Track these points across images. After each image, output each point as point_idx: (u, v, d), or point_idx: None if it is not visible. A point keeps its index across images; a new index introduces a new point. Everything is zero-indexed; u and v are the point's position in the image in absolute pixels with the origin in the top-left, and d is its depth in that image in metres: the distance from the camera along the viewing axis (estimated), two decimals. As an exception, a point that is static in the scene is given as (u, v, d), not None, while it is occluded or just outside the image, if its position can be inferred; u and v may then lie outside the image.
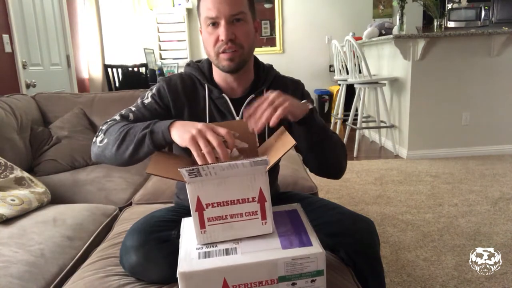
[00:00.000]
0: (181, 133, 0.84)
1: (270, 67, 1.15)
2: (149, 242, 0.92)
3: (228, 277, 0.71)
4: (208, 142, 0.80)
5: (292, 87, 1.13)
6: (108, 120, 1.03)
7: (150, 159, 0.85)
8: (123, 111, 1.06)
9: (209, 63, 1.11)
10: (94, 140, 1.00)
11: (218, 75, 1.08)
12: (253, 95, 1.08)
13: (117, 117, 1.04)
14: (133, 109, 1.06)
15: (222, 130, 0.82)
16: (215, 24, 0.97)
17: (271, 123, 0.84)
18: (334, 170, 1.06)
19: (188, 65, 1.13)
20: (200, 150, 0.80)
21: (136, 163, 0.97)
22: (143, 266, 0.91)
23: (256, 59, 1.14)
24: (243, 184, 0.76)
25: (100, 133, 0.99)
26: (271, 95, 0.87)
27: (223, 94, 1.07)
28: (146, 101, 1.07)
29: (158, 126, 0.90)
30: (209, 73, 1.10)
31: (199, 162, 0.81)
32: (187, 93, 1.08)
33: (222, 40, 0.96)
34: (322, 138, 0.99)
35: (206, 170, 0.72)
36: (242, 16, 0.97)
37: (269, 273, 0.73)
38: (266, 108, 0.85)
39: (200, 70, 1.10)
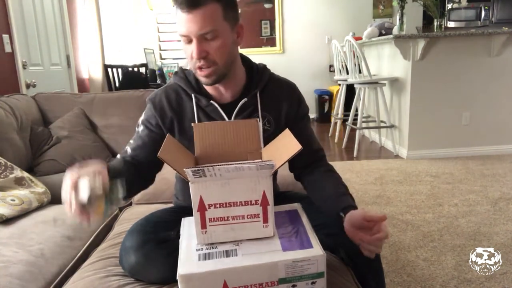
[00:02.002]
0: None
1: (263, 68, 1.11)
2: (149, 243, 0.92)
3: (228, 279, 0.71)
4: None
5: (287, 91, 1.11)
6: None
7: (163, 144, 0.82)
8: (125, 146, 1.08)
9: None
10: None
11: None
12: (245, 99, 1.05)
13: (119, 154, 1.08)
14: (131, 141, 1.08)
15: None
16: (188, 40, 0.95)
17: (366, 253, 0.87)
18: None
19: (175, 74, 1.11)
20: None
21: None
22: (143, 267, 0.91)
23: (248, 61, 1.11)
24: (247, 187, 0.76)
25: None
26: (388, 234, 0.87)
27: (211, 102, 1.04)
28: (139, 130, 1.08)
29: None
30: (196, 80, 1.07)
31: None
32: (173, 107, 1.06)
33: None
34: None
35: (211, 171, 0.72)
36: (213, 33, 0.93)
37: (269, 275, 0.72)
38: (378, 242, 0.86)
39: (186, 79, 1.07)
